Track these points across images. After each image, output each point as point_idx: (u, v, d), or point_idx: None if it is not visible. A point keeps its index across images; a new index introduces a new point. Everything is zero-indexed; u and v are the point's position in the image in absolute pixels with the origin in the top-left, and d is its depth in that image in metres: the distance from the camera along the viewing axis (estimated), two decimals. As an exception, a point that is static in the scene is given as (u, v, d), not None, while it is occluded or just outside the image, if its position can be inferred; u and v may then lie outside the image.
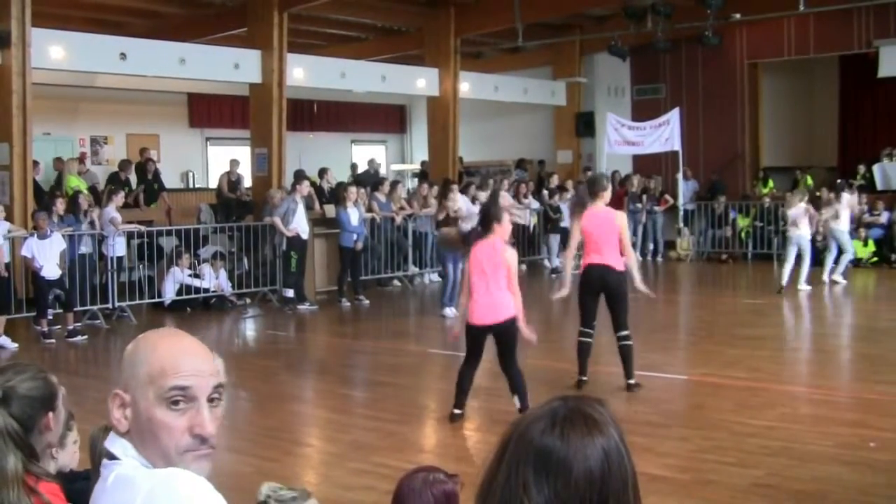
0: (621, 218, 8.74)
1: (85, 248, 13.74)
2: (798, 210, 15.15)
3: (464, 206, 15.32)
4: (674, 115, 19.30)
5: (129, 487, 1.79)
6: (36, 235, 12.27)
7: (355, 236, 15.32)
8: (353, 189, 15.84)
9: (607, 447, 1.61)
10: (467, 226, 14.21)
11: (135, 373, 1.89)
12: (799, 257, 15.17)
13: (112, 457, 1.89)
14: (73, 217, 13.85)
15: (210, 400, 1.90)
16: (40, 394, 2.73)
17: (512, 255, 7.51)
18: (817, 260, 15.70)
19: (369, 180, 19.22)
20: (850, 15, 19.66)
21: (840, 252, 15.95)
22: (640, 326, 11.60)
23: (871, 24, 19.93)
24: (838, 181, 17.65)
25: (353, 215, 15.44)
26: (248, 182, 18.61)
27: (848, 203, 16.12)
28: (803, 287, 15.11)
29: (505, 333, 7.44)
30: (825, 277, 15.60)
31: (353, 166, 23.19)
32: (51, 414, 2.73)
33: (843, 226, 15.89)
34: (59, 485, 2.72)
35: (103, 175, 18.79)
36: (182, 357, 1.88)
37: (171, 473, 1.82)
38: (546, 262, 19.13)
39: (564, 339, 10.70)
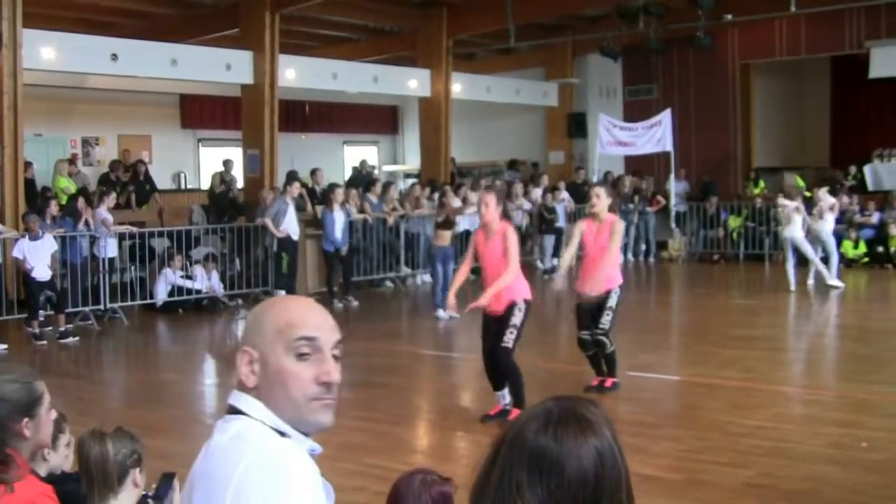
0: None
1: (80, 251, 13.71)
2: (791, 206, 15.07)
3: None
4: (666, 116, 19.32)
5: (244, 447, 1.87)
6: (27, 237, 12.24)
7: (332, 246, 15.29)
8: (339, 191, 15.73)
9: (601, 447, 1.61)
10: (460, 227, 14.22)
11: (262, 330, 2.00)
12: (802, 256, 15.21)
13: (236, 411, 1.96)
14: (72, 221, 13.84)
15: (333, 356, 2.01)
16: (17, 398, 2.70)
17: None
18: (803, 260, 15.60)
19: (361, 181, 19.20)
20: (841, 16, 19.71)
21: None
22: (632, 327, 11.62)
23: (862, 25, 19.98)
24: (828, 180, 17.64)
25: (339, 219, 15.35)
26: (240, 183, 18.61)
27: (828, 204, 15.70)
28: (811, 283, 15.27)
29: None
30: (810, 280, 15.50)
31: (355, 169, 22.94)
32: (26, 420, 2.69)
33: (827, 226, 15.61)
34: (51, 486, 2.71)
35: (94, 176, 18.76)
36: (307, 312, 2.01)
37: (287, 446, 1.89)
38: (539, 263, 19.08)
39: (557, 340, 10.70)
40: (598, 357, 8.68)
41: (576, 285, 8.70)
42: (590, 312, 8.55)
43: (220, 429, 1.95)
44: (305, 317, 1.99)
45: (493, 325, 7.59)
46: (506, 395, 7.69)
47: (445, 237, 14.29)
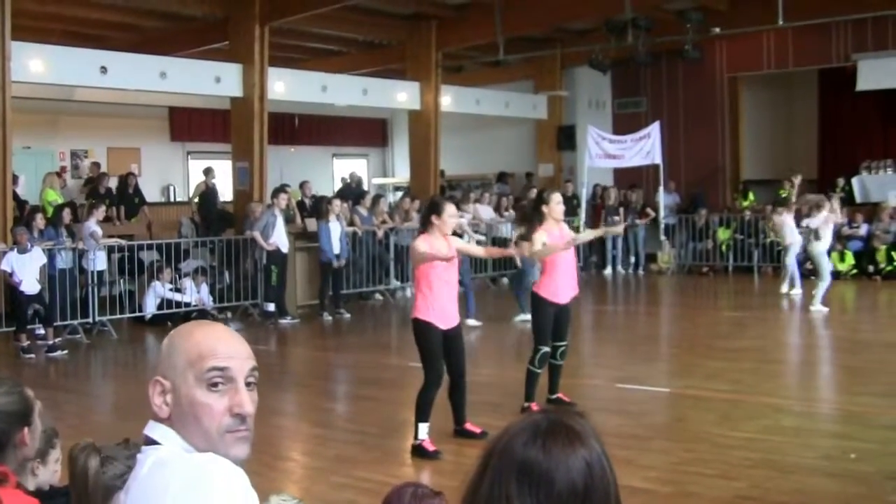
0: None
1: (63, 263, 13.65)
2: (820, 219, 14.34)
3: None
4: (654, 129, 19.35)
5: (166, 471, 1.85)
6: (16, 250, 12.21)
7: (330, 255, 15.31)
8: (335, 203, 15.83)
9: (590, 459, 1.61)
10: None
11: (173, 360, 1.97)
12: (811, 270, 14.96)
13: (151, 442, 1.94)
14: (54, 230, 13.78)
15: (247, 384, 1.97)
16: (15, 408, 2.70)
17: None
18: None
19: (350, 194, 19.21)
20: (828, 29, 19.82)
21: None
22: (621, 339, 11.65)
23: (849, 38, 20.10)
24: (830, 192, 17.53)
25: (334, 230, 15.44)
26: (226, 195, 18.62)
27: (828, 218, 14.66)
28: (818, 308, 14.29)
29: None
30: (783, 288, 15.43)
31: (344, 181, 23.02)
32: (26, 429, 2.71)
33: (822, 246, 14.63)
34: (37, 501, 2.70)
35: (79, 189, 18.78)
36: (218, 341, 1.97)
37: (209, 459, 1.87)
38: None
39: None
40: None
41: (548, 293, 8.36)
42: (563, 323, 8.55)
43: (139, 461, 1.93)
44: (217, 346, 1.95)
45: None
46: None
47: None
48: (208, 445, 1.91)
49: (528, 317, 9.17)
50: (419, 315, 7.36)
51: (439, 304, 7.30)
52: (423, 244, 7.30)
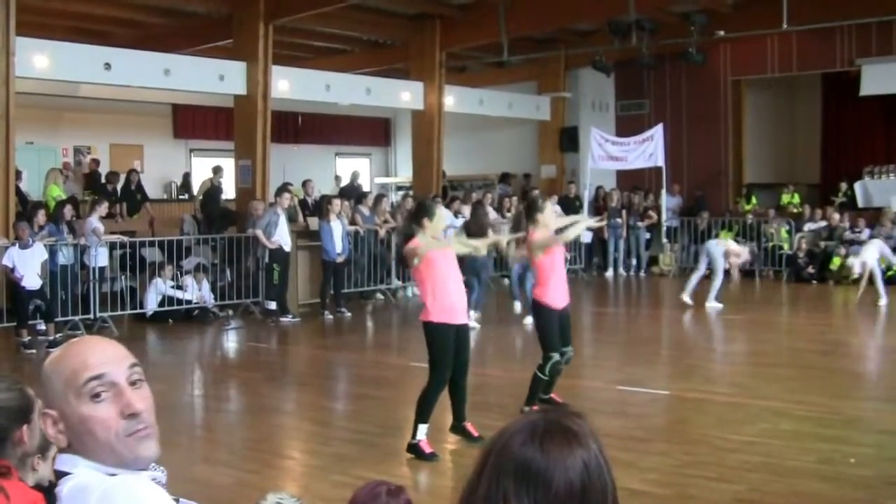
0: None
1: (64, 259, 13.66)
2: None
3: (448, 219, 15.28)
4: (657, 131, 19.34)
5: (84, 493, 1.83)
6: (18, 245, 12.22)
7: (332, 254, 15.33)
8: (336, 202, 15.85)
9: (587, 459, 1.61)
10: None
11: (52, 386, 1.93)
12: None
13: (63, 475, 1.91)
14: (55, 226, 13.79)
15: (132, 383, 1.94)
16: (15, 405, 2.70)
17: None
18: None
19: (352, 193, 19.21)
20: (832, 33, 19.82)
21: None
22: (622, 341, 11.65)
23: (853, 42, 20.10)
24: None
25: (336, 228, 15.45)
26: (229, 193, 18.64)
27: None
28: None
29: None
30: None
31: (338, 178, 23.17)
32: (25, 427, 2.71)
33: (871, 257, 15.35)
34: (41, 494, 2.70)
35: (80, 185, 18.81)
36: (86, 353, 1.94)
37: (126, 478, 1.86)
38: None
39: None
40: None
41: (549, 299, 8.35)
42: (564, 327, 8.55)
43: (57, 497, 1.91)
44: (86, 358, 1.92)
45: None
46: None
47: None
48: (114, 457, 1.89)
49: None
50: (432, 318, 7.24)
51: (449, 301, 7.23)
52: (420, 240, 7.21)
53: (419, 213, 7.31)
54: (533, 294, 8.60)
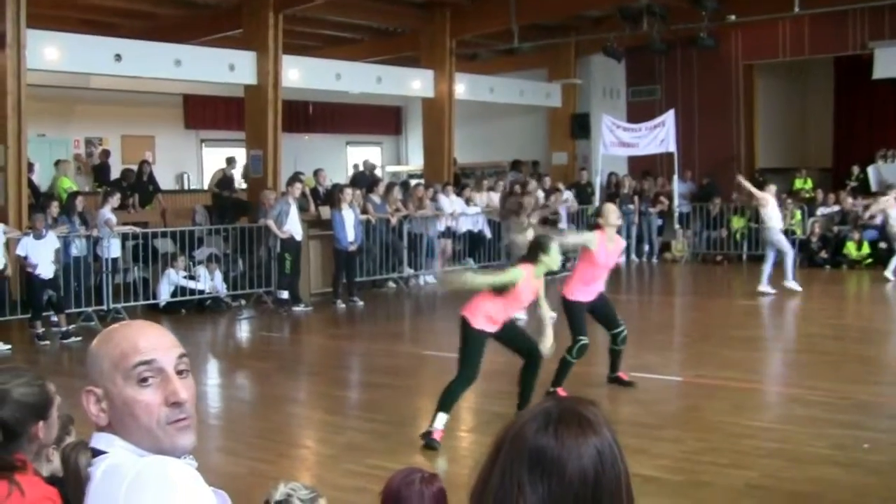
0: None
1: (77, 250, 13.71)
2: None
3: (459, 207, 15.29)
4: (669, 117, 19.31)
5: (118, 474, 1.83)
6: (32, 235, 12.27)
7: (344, 243, 15.35)
8: (348, 191, 15.86)
9: (601, 446, 1.62)
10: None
11: (99, 366, 1.95)
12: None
13: (98, 453, 1.92)
14: (66, 218, 13.84)
15: (179, 372, 1.95)
16: (34, 401, 2.72)
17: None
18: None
19: (364, 181, 19.21)
20: (844, 17, 19.70)
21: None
22: (634, 328, 11.61)
23: (865, 25, 19.98)
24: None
25: (348, 217, 15.46)
26: (240, 183, 18.67)
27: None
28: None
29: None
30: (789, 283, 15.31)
31: (356, 167, 23.05)
32: (41, 423, 2.72)
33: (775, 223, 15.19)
34: (55, 489, 2.72)
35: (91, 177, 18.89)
36: (138, 337, 1.95)
37: (161, 459, 1.86)
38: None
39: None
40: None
41: (575, 297, 8.68)
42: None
43: (91, 475, 1.90)
44: (137, 342, 1.93)
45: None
46: None
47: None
48: (153, 442, 1.90)
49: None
50: (475, 325, 7.31)
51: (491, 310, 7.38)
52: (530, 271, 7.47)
53: (535, 250, 7.63)
54: (561, 290, 8.82)
